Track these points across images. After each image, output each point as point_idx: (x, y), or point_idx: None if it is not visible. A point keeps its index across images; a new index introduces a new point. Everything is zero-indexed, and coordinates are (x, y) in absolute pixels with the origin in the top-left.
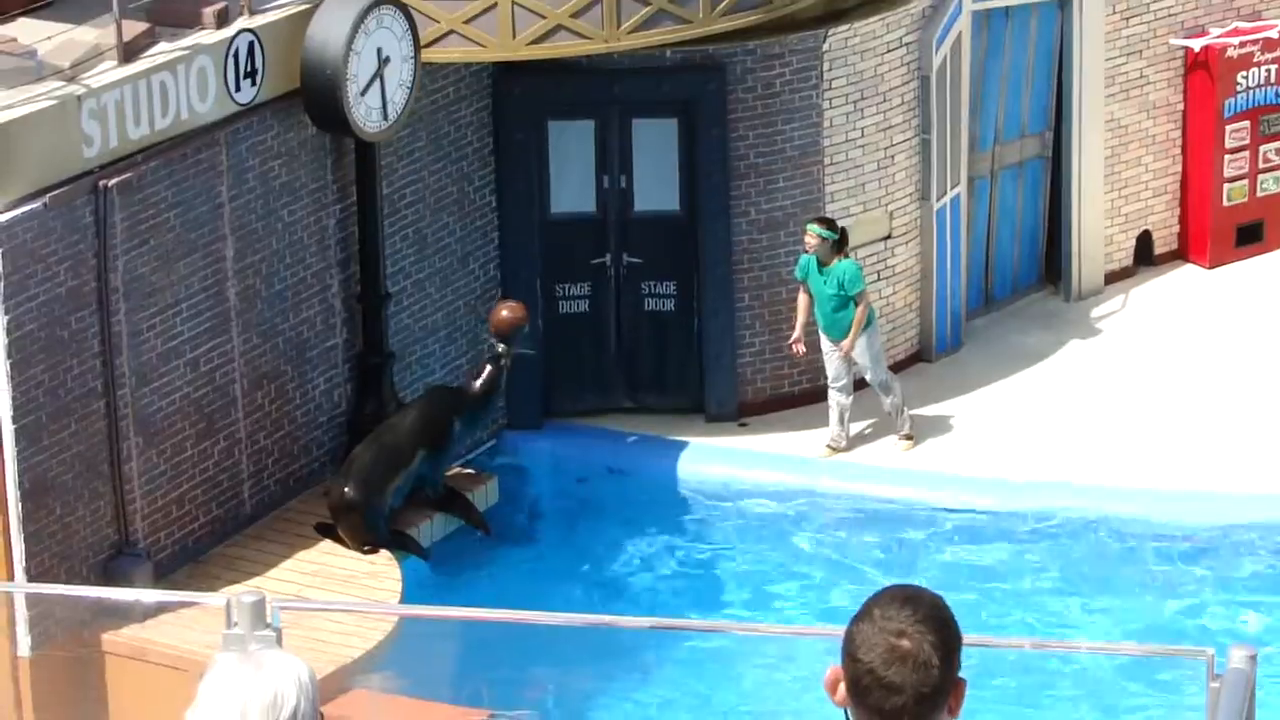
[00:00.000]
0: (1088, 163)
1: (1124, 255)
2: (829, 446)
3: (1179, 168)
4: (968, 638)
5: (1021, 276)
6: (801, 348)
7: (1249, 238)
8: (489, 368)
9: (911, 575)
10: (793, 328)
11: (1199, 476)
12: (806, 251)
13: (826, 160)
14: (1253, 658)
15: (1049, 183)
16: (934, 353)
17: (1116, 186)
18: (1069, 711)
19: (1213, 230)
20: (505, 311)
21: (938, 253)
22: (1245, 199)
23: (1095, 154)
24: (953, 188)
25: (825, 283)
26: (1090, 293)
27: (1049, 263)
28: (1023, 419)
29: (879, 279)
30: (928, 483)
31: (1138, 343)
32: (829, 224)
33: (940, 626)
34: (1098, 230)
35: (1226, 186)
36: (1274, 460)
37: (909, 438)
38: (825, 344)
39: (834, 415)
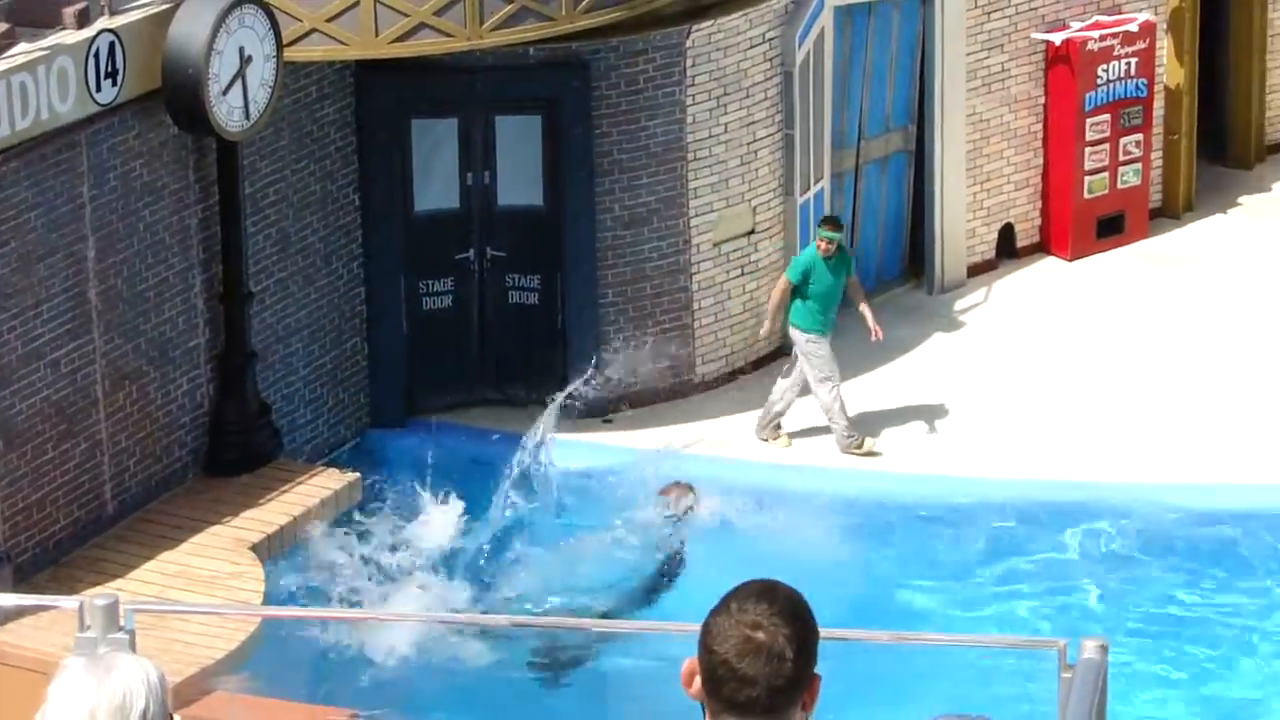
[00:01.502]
0: (950, 157)
1: (986, 248)
2: (853, 443)
3: (1040, 161)
4: (825, 631)
5: (885, 270)
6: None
7: (1110, 230)
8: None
9: (776, 568)
10: (764, 323)
11: (1062, 464)
12: (832, 254)
13: (690, 156)
14: (1104, 648)
15: (912, 177)
16: None
17: (979, 180)
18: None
19: (1074, 222)
20: (673, 494)
21: (801, 247)
22: (1106, 191)
23: (957, 148)
24: (816, 182)
25: (838, 278)
26: (953, 285)
27: (913, 256)
28: (887, 410)
29: (743, 274)
30: (796, 474)
31: (1000, 334)
32: (836, 224)
33: (796, 620)
34: (960, 223)
35: (1087, 179)
36: (1135, 447)
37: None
38: (816, 342)
39: (839, 410)
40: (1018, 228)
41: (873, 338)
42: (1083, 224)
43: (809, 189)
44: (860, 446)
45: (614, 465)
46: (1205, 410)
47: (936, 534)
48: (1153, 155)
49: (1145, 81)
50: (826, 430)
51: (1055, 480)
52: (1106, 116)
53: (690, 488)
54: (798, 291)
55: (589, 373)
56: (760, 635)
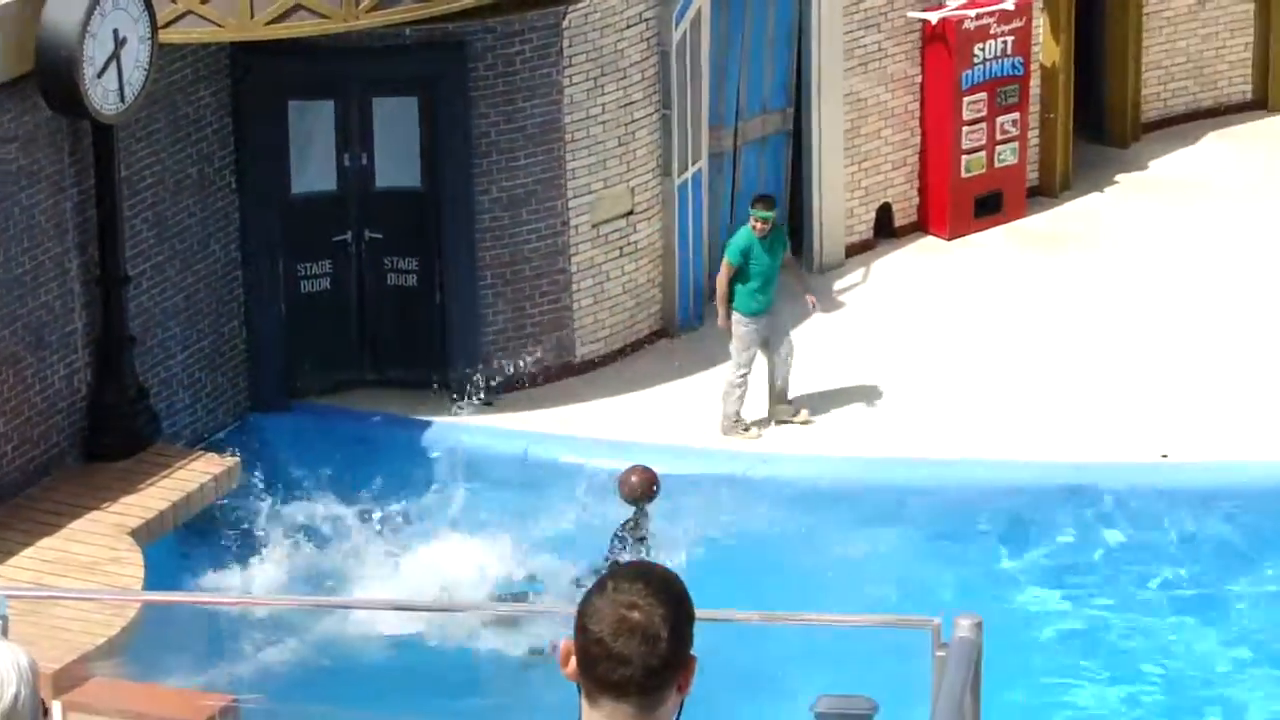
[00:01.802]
0: (827, 137)
1: (864, 228)
2: (737, 428)
3: (918, 140)
4: (702, 613)
5: None
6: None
7: (987, 209)
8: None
9: (657, 549)
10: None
11: (947, 444)
12: (766, 234)
13: (568, 137)
14: (978, 625)
15: (790, 157)
16: (677, 328)
17: (856, 160)
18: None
19: (951, 202)
20: (634, 477)
21: (680, 228)
22: (983, 170)
23: (835, 128)
24: (694, 163)
25: (775, 257)
26: (831, 265)
27: (791, 236)
28: (765, 392)
29: (622, 255)
30: (675, 455)
31: (879, 313)
32: (769, 203)
33: (672, 601)
34: (838, 204)
35: (964, 158)
36: (1019, 426)
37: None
38: (746, 324)
39: (737, 398)
40: (895, 207)
41: (810, 307)
42: (960, 203)
43: (687, 170)
44: (746, 431)
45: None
46: (1082, 387)
47: (819, 514)
48: (1029, 134)
49: (1021, 60)
50: (697, 407)
51: (935, 459)
52: (983, 95)
53: (651, 471)
54: (739, 273)
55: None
56: (636, 615)
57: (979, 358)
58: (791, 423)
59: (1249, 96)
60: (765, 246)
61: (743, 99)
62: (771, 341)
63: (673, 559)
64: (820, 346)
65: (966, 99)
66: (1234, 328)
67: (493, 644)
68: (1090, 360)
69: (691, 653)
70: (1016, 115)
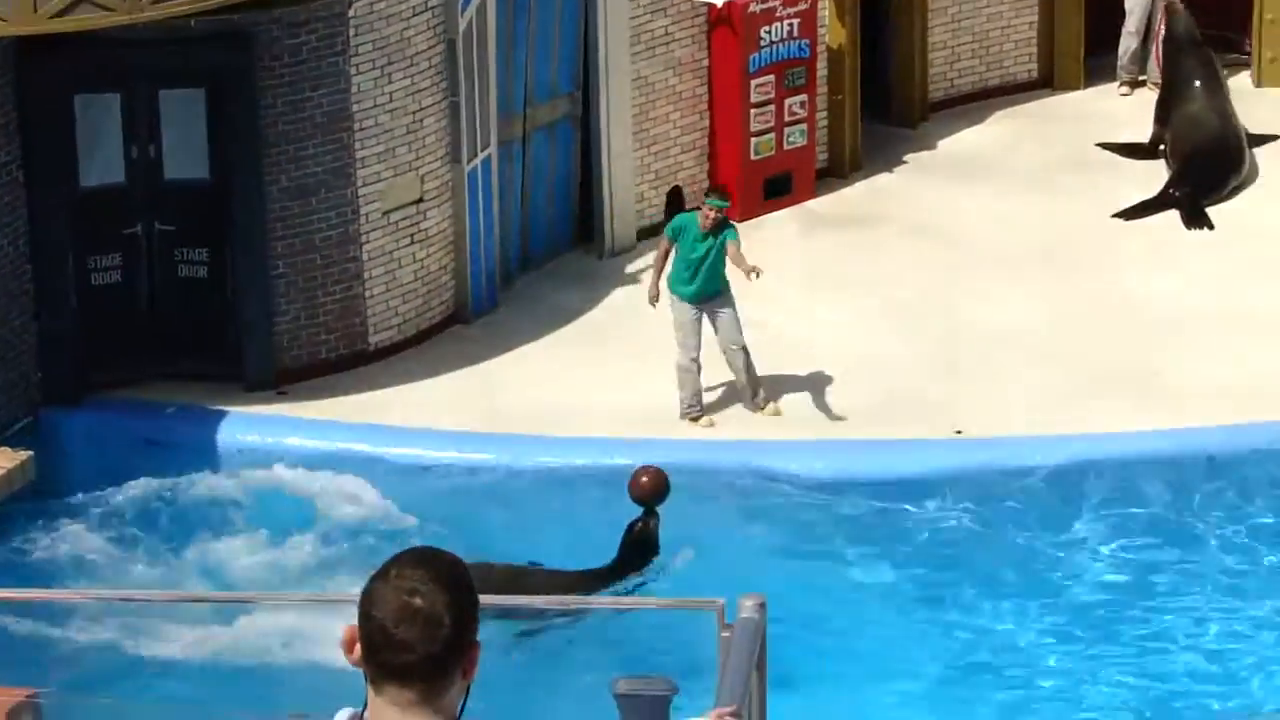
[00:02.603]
0: (616, 121)
1: (655, 211)
2: (773, 406)
3: (706, 123)
4: (486, 600)
5: (556, 236)
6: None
7: (777, 190)
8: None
9: (455, 538)
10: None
11: (735, 426)
12: (708, 227)
13: (356, 126)
14: (762, 605)
15: (580, 142)
16: (470, 314)
17: (645, 144)
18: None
19: (741, 184)
20: (645, 478)
21: (470, 215)
22: (772, 152)
23: (623, 112)
24: (484, 150)
25: (717, 247)
26: (623, 249)
27: (583, 222)
28: (559, 377)
29: (413, 242)
30: (471, 443)
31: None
32: (723, 193)
33: (455, 587)
34: (629, 188)
35: (753, 140)
36: (807, 405)
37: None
38: (676, 306)
39: (747, 374)
40: (686, 190)
41: (751, 277)
42: (750, 185)
43: (476, 156)
44: (697, 420)
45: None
46: (871, 365)
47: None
48: (818, 116)
49: (808, 42)
50: (494, 394)
51: (729, 439)
52: (770, 78)
53: (662, 472)
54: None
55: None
56: (418, 601)
57: (770, 337)
58: (761, 412)
59: (1034, 75)
60: (699, 236)
61: (531, 85)
62: (718, 338)
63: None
64: (613, 329)
65: (754, 82)
66: (1022, 303)
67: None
68: (880, 338)
69: (476, 639)
70: (804, 97)
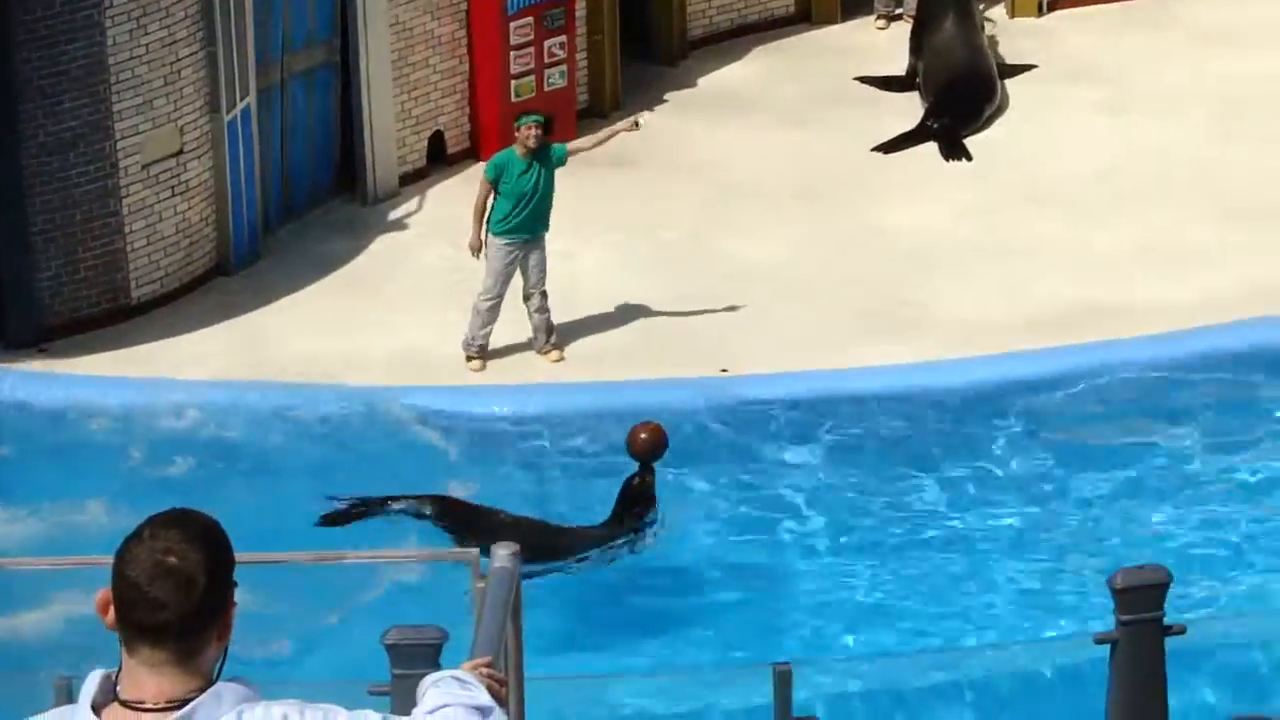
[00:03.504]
0: (376, 67)
1: (417, 156)
2: (557, 352)
3: (466, 67)
4: (246, 556)
5: (318, 184)
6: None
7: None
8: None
9: (212, 491)
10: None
11: (525, 370)
12: (530, 146)
13: (112, 79)
14: (515, 555)
15: (339, 89)
16: (233, 266)
17: (406, 89)
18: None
19: (502, 127)
20: (644, 434)
21: (230, 165)
22: (533, 94)
23: (383, 58)
24: (242, 99)
25: (545, 172)
26: (386, 195)
27: (344, 168)
28: (325, 325)
29: (174, 194)
30: (235, 390)
31: (436, 239)
32: (536, 110)
33: (210, 547)
34: (390, 134)
35: (514, 83)
36: (580, 347)
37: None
38: (494, 247)
39: (545, 317)
40: (448, 134)
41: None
42: (511, 128)
43: (235, 106)
44: (470, 360)
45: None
46: (640, 305)
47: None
48: (578, 56)
49: None
50: (254, 344)
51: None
52: (530, 20)
53: (660, 428)
54: (496, 191)
55: None
56: (172, 560)
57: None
58: (546, 357)
59: (792, 10)
60: (523, 166)
61: (288, 32)
62: (525, 279)
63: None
64: (378, 275)
65: (513, 24)
66: (785, 240)
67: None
68: (645, 277)
69: (232, 600)
70: (564, 38)
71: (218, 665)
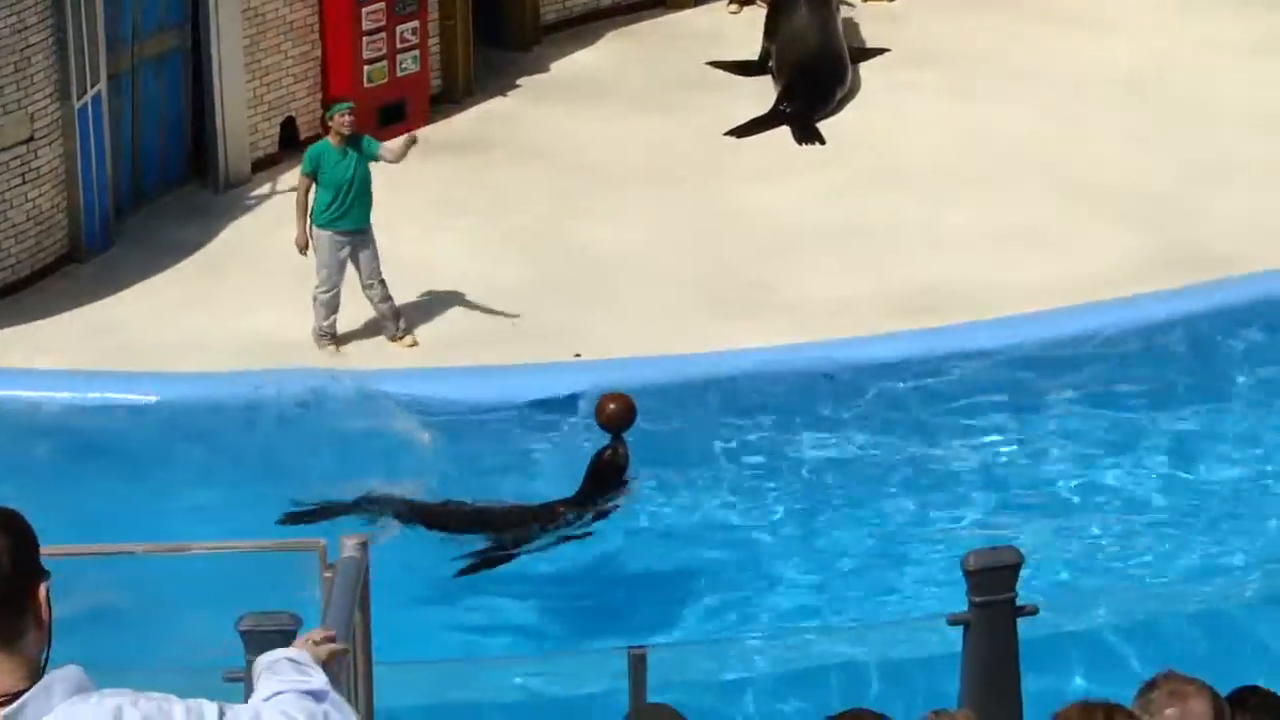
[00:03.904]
0: (228, 52)
1: (269, 143)
2: (410, 337)
3: (319, 52)
4: (63, 548)
5: (170, 171)
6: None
7: (392, 117)
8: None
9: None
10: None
11: (380, 355)
12: (346, 133)
13: None
14: (364, 544)
15: (191, 75)
16: (84, 253)
17: (258, 75)
18: None
19: (356, 112)
20: (612, 404)
21: (82, 152)
22: (386, 79)
23: (234, 43)
24: (93, 86)
25: (359, 161)
26: (238, 182)
27: (196, 155)
28: (177, 312)
29: (24, 182)
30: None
31: (288, 225)
32: (340, 98)
33: (10, 530)
34: (241, 120)
35: (366, 68)
36: (434, 332)
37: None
38: (318, 238)
39: (387, 305)
40: (300, 120)
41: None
42: (365, 113)
43: (86, 93)
44: (326, 345)
45: None
46: (503, 292)
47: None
48: (430, 41)
49: None
50: (111, 331)
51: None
52: (381, 5)
53: (629, 398)
54: (316, 183)
55: None
56: None
57: (391, 266)
58: (399, 343)
59: None
60: (338, 156)
61: (139, 18)
62: (359, 273)
63: None
64: (230, 262)
65: (365, 9)
66: (638, 225)
67: None
68: (499, 263)
69: (43, 584)
70: (416, 23)
71: (43, 655)
